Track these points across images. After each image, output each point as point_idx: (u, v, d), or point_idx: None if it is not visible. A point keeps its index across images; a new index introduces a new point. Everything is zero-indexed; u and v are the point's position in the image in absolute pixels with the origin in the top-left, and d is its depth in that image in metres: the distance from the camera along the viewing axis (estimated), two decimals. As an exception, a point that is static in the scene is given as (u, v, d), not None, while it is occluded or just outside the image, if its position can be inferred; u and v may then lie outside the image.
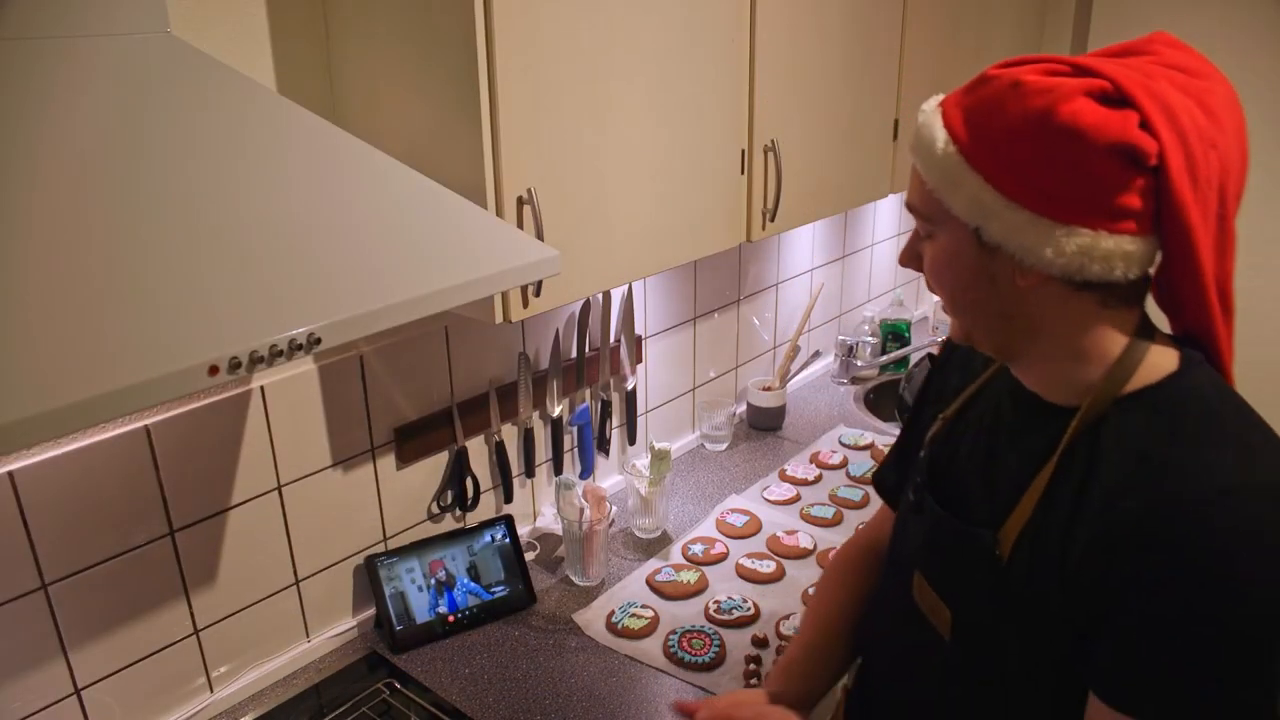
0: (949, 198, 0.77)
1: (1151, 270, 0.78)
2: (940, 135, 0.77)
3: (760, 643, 1.47)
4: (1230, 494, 0.71)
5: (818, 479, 1.99)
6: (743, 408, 2.28)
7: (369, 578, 1.51)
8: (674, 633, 1.49)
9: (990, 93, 0.76)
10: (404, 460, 1.54)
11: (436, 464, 1.60)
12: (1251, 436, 0.76)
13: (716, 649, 1.45)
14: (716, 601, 1.56)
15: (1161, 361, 0.79)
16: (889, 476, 1.15)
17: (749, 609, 1.54)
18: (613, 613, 1.54)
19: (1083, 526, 0.77)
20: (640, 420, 1.98)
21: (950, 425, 0.96)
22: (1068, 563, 0.78)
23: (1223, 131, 0.74)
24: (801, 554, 1.70)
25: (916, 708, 0.97)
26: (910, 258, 0.87)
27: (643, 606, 1.56)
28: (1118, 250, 0.73)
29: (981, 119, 0.75)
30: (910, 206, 0.84)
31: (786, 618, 1.52)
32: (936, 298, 0.87)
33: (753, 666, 1.41)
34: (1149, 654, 0.73)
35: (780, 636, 1.48)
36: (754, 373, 2.33)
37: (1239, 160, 0.76)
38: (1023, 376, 0.86)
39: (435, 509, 1.62)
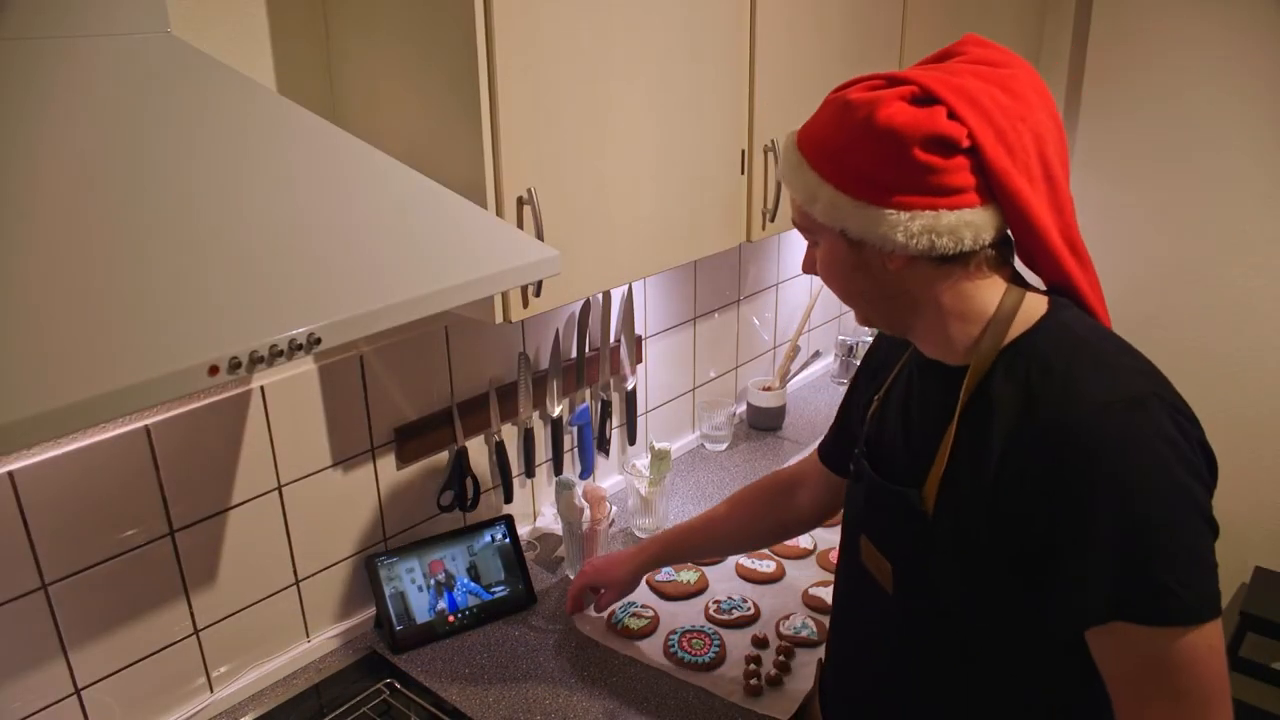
0: (811, 209, 0.89)
1: (1010, 234, 0.89)
2: (795, 158, 0.91)
3: (760, 643, 1.47)
4: (1099, 409, 0.80)
5: (818, 479, 1.99)
6: (743, 408, 2.28)
7: (369, 578, 1.51)
8: (674, 632, 1.49)
9: (827, 115, 0.88)
10: (404, 460, 1.54)
11: (436, 464, 1.60)
12: (1117, 359, 0.85)
13: (716, 649, 1.45)
14: (716, 601, 1.56)
15: (1033, 310, 0.89)
16: (829, 448, 1.29)
17: (749, 609, 1.54)
18: (613, 612, 1.54)
19: (989, 470, 0.86)
20: (640, 420, 1.98)
21: (881, 402, 1.06)
22: (986, 506, 0.86)
23: (1029, 107, 0.85)
24: (802, 554, 1.70)
25: (876, 666, 1.04)
26: (809, 264, 0.99)
27: (643, 606, 1.56)
28: (960, 222, 0.84)
29: (822, 138, 0.88)
30: (794, 223, 0.96)
31: (786, 618, 1.52)
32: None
33: (753, 667, 1.41)
34: (1088, 569, 0.80)
35: (780, 636, 1.48)
36: (754, 373, 2.33)
37: (1053, 128, 0.87)
38: (921, 347, 0.96)
39: (435, 509, 1.62)
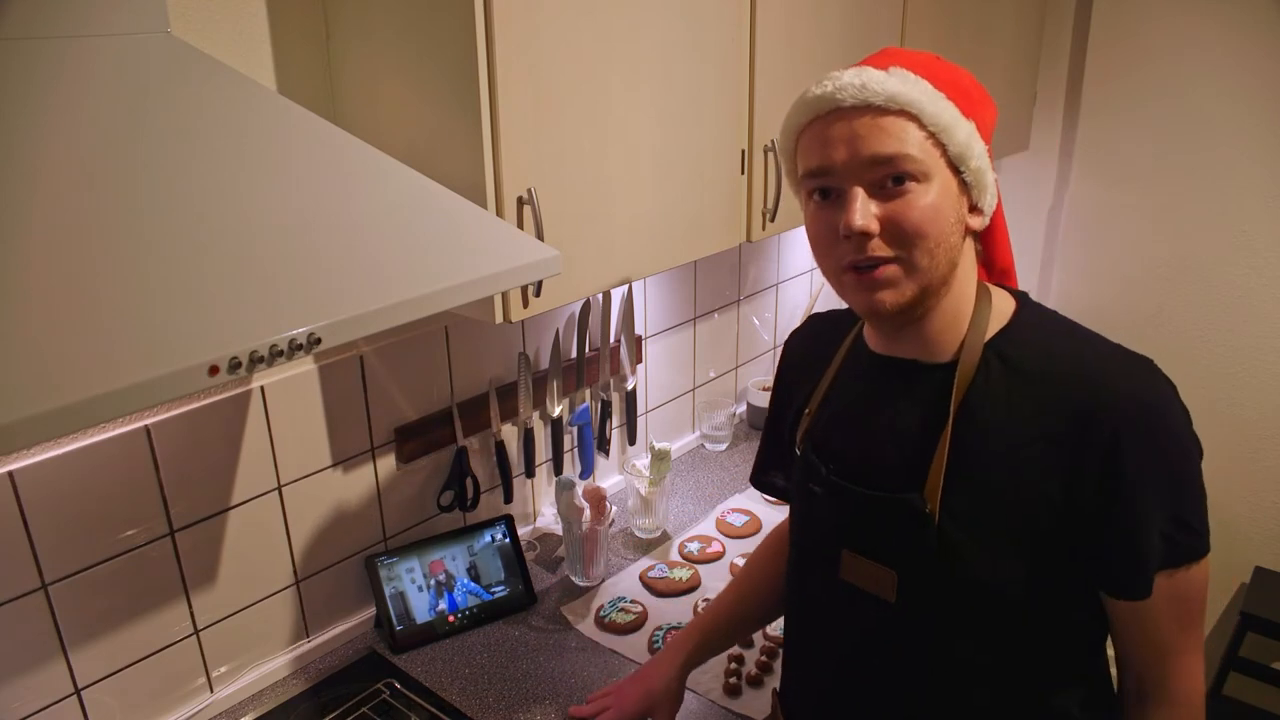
0: (952, 139, 0.84)
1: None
2: (926, 86, 0.83)
3: (745, 642, 1.46)
4: (1128, 382, 0.84)
5: (818, 479, 1.98)
6: (743, 408, 2.28)
7: (369, 578, 1.51)
8: (660, 629, 1.49)
9: (929, 58, 0.87)
10: (404, 460, 1.54)
11: (436, 464, 1.60)
12: (1104, 341, 0.90)
13: None
14: (706, 599, 1.56)
15: (1003, 305, 0.92)
16: (770, 475, 1.20)
17: (739, 608, 1.54)
18: (602, 606, 1.54)
19: (1007, 460, 0.86)
20: (640, 420, 1.98)
21: (822, 417, 1.01)
22: (1005, 494, 0.86)
23: None
24: (801, 554, 1.70)
25: (864, 681, 1.00)
26: (869, 218, 0.83)
27: (632, 601, 1.56)
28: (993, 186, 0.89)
29: (944, 78, 0.85)
30: (899, 157, 0.82)
31: None
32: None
33: (733, 665, 1.41)
34: (1149, 533, 0.84)
35: (766, 637, 1.48)
36: (754, 373, 2.33)
37: None
38: (896, 347, 0.94)
39: (435, 509, 1.62)
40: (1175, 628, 0.88)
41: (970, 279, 0.91)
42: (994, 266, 0.97)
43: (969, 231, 0.89)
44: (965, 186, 0.87)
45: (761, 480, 1.22)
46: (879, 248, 0.84)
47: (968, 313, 0.90)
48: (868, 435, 0.96)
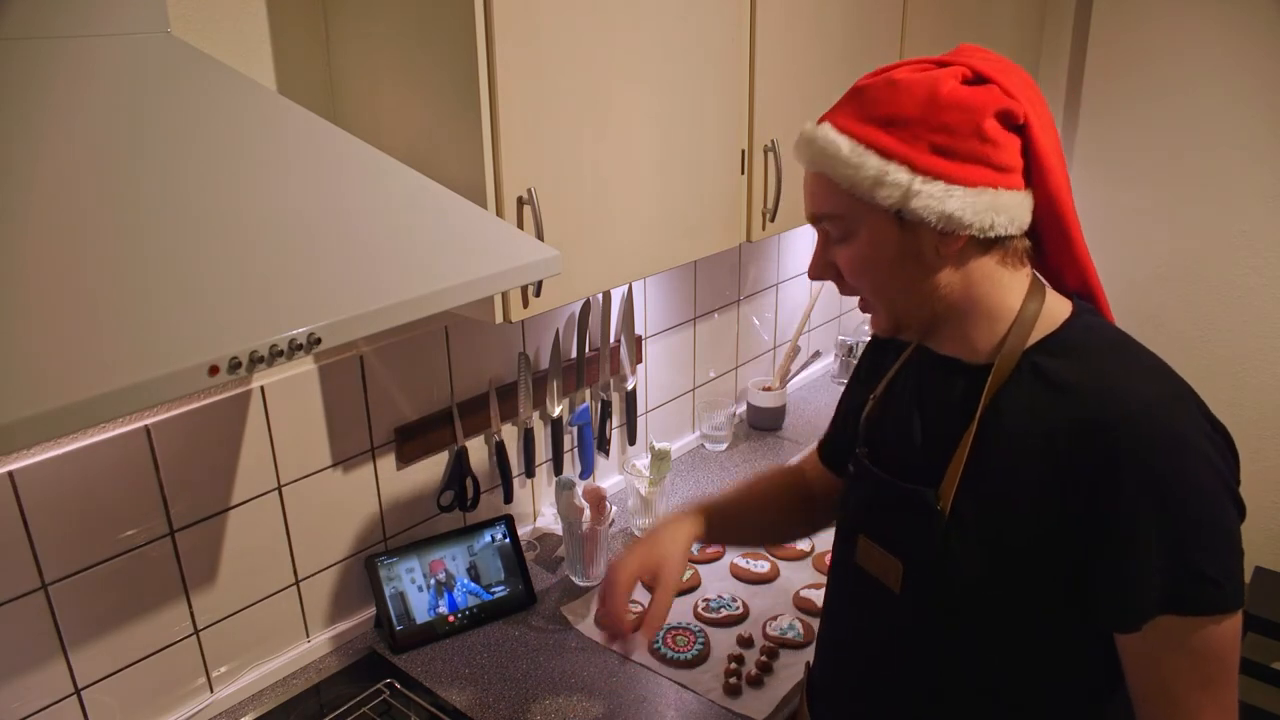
0: (870, 191, 0.84)
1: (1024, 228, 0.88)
2: (843, 141, 0.86)
3: (745, 642, 1.46)
4: (1148, 408, 0.81)
5: (818, 479, 1.98)
6: (743, 408, 2.28)
7: (369, 578, 1.51)
8: (660, 629, 1.48)
9: (875, 96, 0.86)
10: (404, 460, 1.54)
11: (436, 464, 1.60)
12: (1147, 360, 0.87)
13: (700, 647, 1.44)
14: (706, 600, 1.56)
15: (1057, 310, 0.90)
16: (829, 447, 1.23)
17: (738, 608, 1.54)
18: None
19: (1021, 469, 0.85)
20: (640, 420, 1.98)
21: (880, 402, 1.04)
22: (1015, 504, 0.85)
23: (1044, 102, 0.88)
24: (798, 556, 1.70)
25: (875, 667, 1.02)
26: (822, 268, 0.94)
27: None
28: (1012, 202, 0.84)
29: (879, 116, 0.85)
30: (819, 216, 0.91)
31: (774, 618, 1.52)
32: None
33: (734, 666, 1.41)
34: (1142, 566, 0.80)
35: (766, 636, 1.48)
36: (754, 373, 2.33)
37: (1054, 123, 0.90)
38: (941, 345, 0.94)
39: (435, 509, 1.62)
40: (1192, 685, 0.83)
41: (1003, 287, 0.88)
42: (1061, 279, 0.93)
43: (958, 251, 0.86)
44: (914, 225, 0.84)
45: (823, 451, 1.25)
46: (844, 286, 0.93)
47: (1007, 317, 0.89)
48: (905, 425, 0.98)
